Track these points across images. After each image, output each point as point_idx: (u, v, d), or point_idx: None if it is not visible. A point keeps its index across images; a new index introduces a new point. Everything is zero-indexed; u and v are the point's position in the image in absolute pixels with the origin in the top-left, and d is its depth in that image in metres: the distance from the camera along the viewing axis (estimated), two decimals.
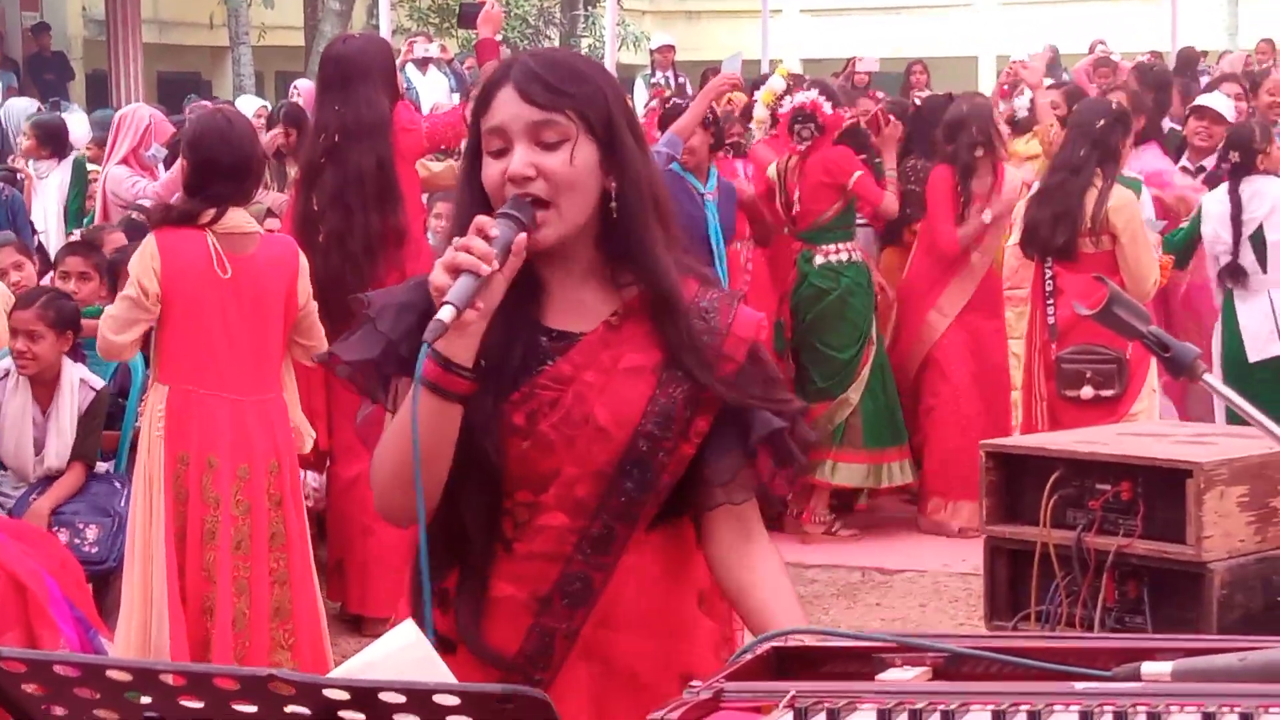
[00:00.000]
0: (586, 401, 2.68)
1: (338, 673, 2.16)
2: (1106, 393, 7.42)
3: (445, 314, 2.46)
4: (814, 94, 8.69)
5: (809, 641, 2.21)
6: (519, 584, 2.70)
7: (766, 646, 2.18)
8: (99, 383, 6.53)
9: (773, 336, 8.73)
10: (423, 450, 2.51)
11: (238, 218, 5.74)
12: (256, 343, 5.66)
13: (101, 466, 6.54)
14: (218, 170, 5.67)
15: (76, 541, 6.15)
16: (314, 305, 5.83)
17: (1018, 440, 5.69)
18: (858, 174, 8.59)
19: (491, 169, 2.67)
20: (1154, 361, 7.20)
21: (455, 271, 2.50)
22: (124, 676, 2.02)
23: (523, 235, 2.57)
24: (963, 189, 8.66)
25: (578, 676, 2.71)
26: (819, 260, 8.66)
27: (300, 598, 5.79)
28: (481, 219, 2.56)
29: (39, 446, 6.41)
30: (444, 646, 2.60)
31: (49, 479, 6.39)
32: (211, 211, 5.66)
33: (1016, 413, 8.31)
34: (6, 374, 6.42)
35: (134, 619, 5.67)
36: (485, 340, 2.59)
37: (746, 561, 2.75)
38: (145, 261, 5.68)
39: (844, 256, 8.67)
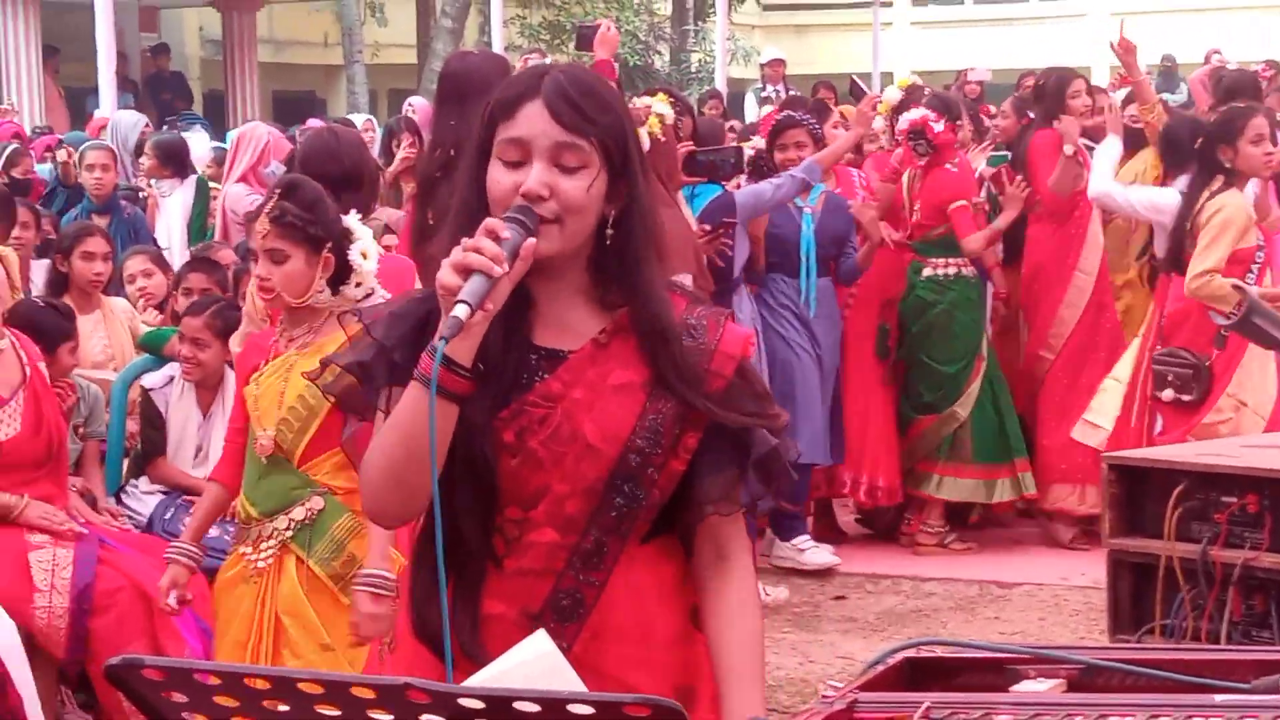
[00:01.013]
0: (575, 419, 2.68)
1: (472, 682, 2.17)
2: (1185, 397, 7.38)
3: (460, 311, 2.46)
4: (923, 111, 8.65)
5: (942, 653, 2.20)
6: (509, 601, 2.70)
7: (899, 657, 2.18)
8: None
9: (876, 340, 8.72)
10: (420, 449, 2.50)
11: None
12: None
13: None
14: (325, 183, 5.67)
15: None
16: None
17: (1141, 453, 5.62)
18: (959, 204, 8.53)
19: (504, 178, 2.66)
20: (1240, 374, 7.20)
21: (466, 272, 2.49)
22: (262, 685, 2.04)
23: (531, 240, 2.56)
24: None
25: None
26: (926, 272, 8.63)
27: None
28: (492, 221, 2.55)
29: (198, 450, 6.48)
30: (441, 657, 2.57)
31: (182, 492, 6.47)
32: None
33: (1104, 400, 8.19)
34: (171, 380, 6.54)
35: None
36: (482, 353, 2.58)
37: (715, 589, 2.77)
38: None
39: (951, 271, 8.61)
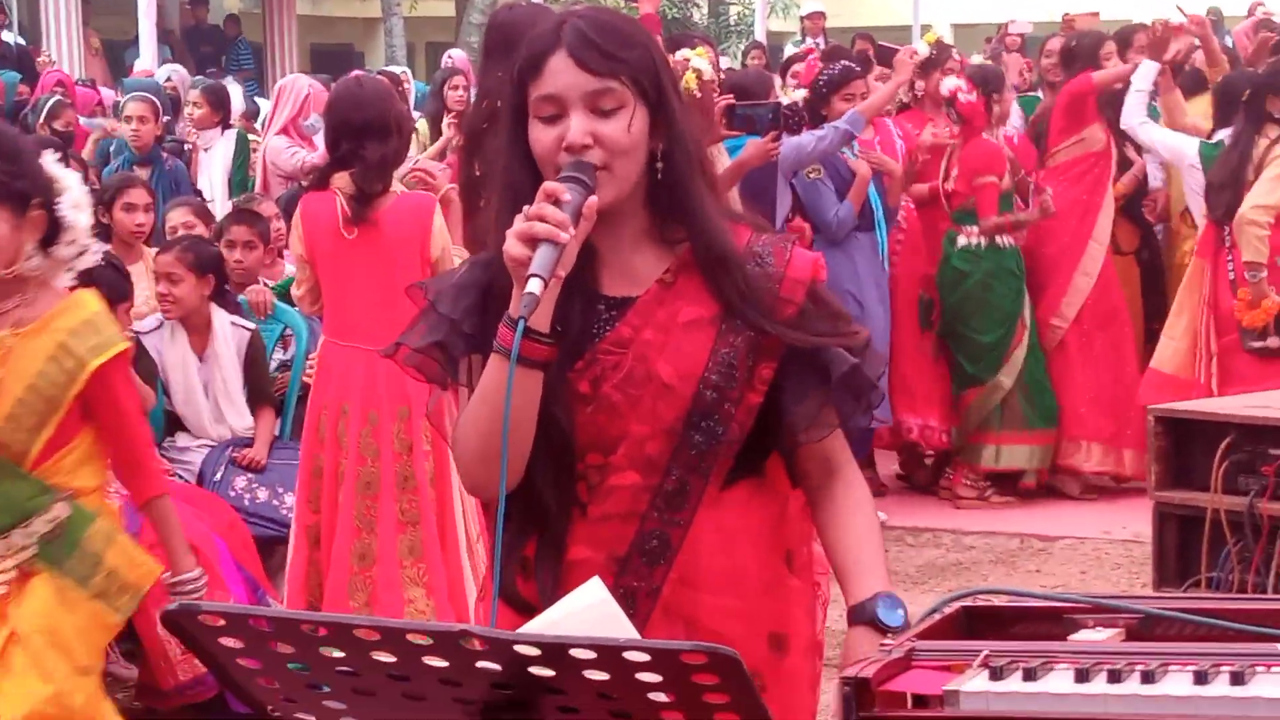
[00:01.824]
0: (648, 360, 2.67)
1: (528, 629, 2.17)
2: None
3: (534, 286, 2.45)
4: (957, 81, 8.60)
5: (998, 602, 2.19)
6: (596, 546, 2.69)
7: (956, 606, 2.17)
8: (250, 325, 6.63)
9: (918, 311, 8.68)
10: (509, 420, 2.50)
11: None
12: (386, 296, 5.64)
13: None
14: (348, 129, 5.80)
15: (275, 504, 6.24)
16: (451, 258, 5.79)
17: (1188, 405, 5.58)
18: (986, 179, 8.48)
19: (544, 135, 2.64)
20: None
21: (532, 241, 2.48)
22: (319, 631, 2.05)
23: (592, 198, 2.55)
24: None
25: (660, 634, 2.69)
26: (961, 242, 8.58)
27: (431, 538, 5.84)
28: (551, 185, 2.53)
29: (205, 388, 6.50)
30: (527, 611, 2.59)
31: (235, 444, 6.49)
32: (343, 173, 5.81)
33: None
34: (160, 324, 6.52)
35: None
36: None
37: (827, 498, 2.78)
38: (294, 227, 6.01)
39: (985, 240, 8.56)
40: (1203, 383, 7.66)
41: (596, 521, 2.69)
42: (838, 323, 2.72)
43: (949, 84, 8.62)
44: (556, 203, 2.50)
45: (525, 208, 2.51)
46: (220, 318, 6.51)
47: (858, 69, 8.48)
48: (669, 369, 2.66)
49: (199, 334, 6.48)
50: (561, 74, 2.62)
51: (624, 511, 2.69)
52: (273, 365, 6.91)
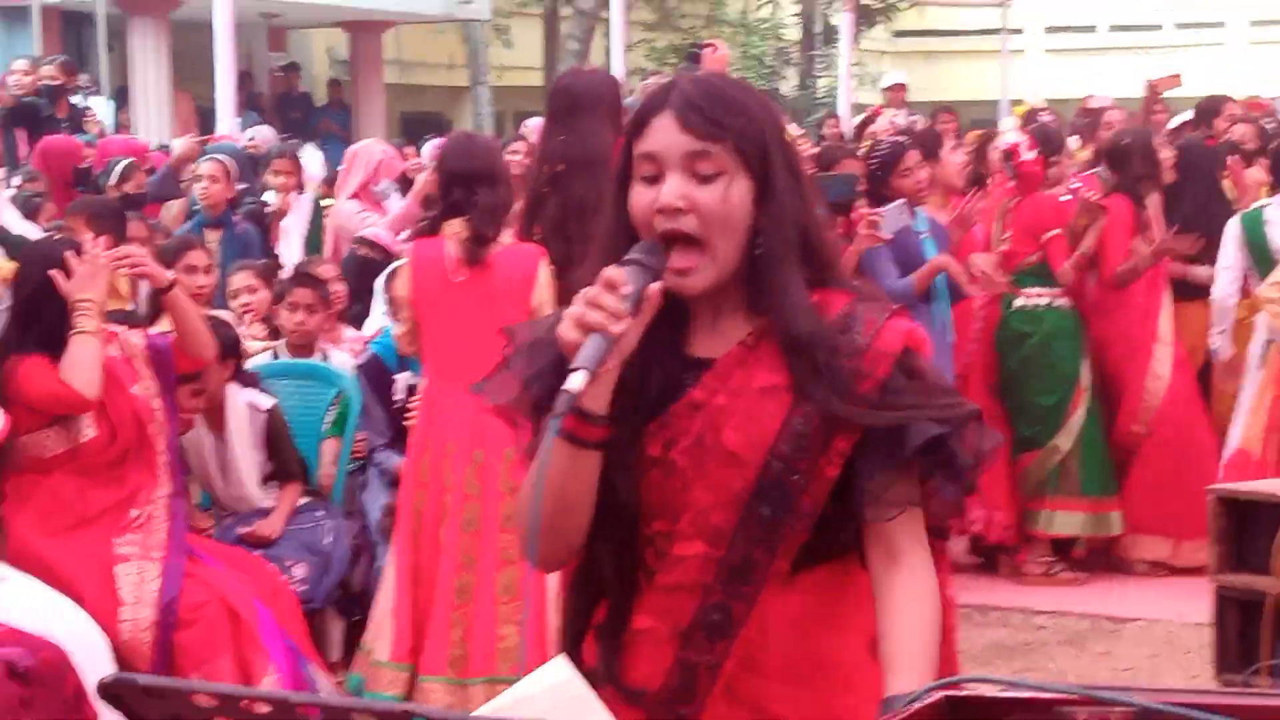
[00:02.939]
0: (717, 426, 2.58)
1: (486, 709, 2.07)
2: None
3: (575, 382, 2.38)
4: (1017, 137, 8.47)
5: (985, 691, 2.06)
6: (661, 616, 2.61)
7: (938, 695, 2.04)
8: (267, 402, 6.57)
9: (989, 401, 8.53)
10: (563, 499, 2.48)
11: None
12: (492, 339, 5.62)
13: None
14: (457, 179, 6.02)
15: (283, 579, 6.16)
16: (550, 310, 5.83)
17: (1249, 485, 5.43)
18: (1055, 232, 8.33)
19: (642, 196, 2.58)
20: None
21: (585, 328, 2.42)
22: (263, 708, 1.95)
23: (656, 285, 2.48)
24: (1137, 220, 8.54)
25: (721, 716, 2.60)
26: (1018, 303, 8.44)
27: (527, 577, 5.84)
28: (610, 272, 2.46)
29: (223, 471, 6.44)
30: (592, 681, 2.51)
31: (255, 514, 6.42)
32: (454, 221, 5.99)
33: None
34: None
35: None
36: (625, 369, 2.50)
37: (886, 586, 2.57)
38: (402, 270, 6.18)
39: (1044, 301, 8.40)
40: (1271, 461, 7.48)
41: (664, 591, 2.61)
42: (932, 396, 2.58)
43: (1008, 140, 8.49)
44: (615, 290, 2.42)
45: (585, 290, 2.44)
46: (236, 398, 6.45)
47: (906, 141, 8.34)
48: (737, 436, 2.57)
49: (215, 414, 6.42)
50: (663, 133, 2.57)
51: (690, 582, 2.60)
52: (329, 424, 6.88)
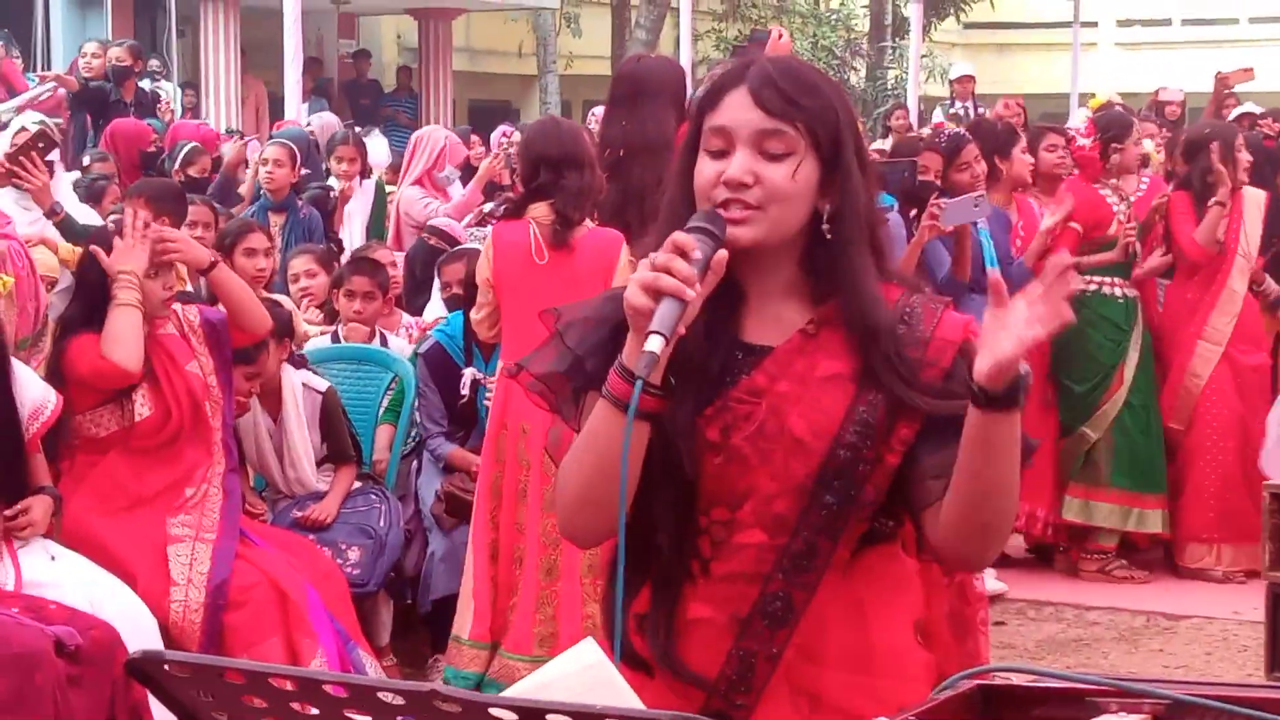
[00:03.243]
0: (781, 413, 2.56)
1: (514, 690, 2.07)
2: None
3: (655, 344, 2.38)
4: (1073, 126, 8.41)
5: (1018, 680, 2.05)
6: (718, 606, 2.59)
7: (972, 684, 2.03)
8: (322, 384, 6.58)
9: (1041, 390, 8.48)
10: (607, 472, 2.45)
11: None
12: None
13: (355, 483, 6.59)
14: (543, 162, 6.09)
15: (339, 563, 6.17)
16: None
17: None
18: (1071, 225, 8.25)
19: (707, 168, 2.57)
20: None
21: (656, 294, 2.40)
22: (289, 686, 1.95)
23: (722, 252, 2.47)
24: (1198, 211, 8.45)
25: (782, 706, 2.59)
26: None
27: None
28: (680, 237, 2.45)
29: (278, 454, 6.45)
30: (643, 669, 2.51)
31: (309, 497, 6.44)
32: (539, 204, 6.05)
33: None
34: None
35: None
36: (684, 352, 2.49)
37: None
38: (484, 252, 6.23)
39: (1091, 288, 8.32)
40: None
41: (720, 580, 2.60)
42: None
43: (1076, 122, 8.42)
44: (686, 256, 2.42)
45: (653, 255, 2.43)
46: (291, 380, 6.46)
47: (967, 135, 8.28)
48: (803, 424, 2.56)
49: (271, 396, 6.43)
50: (736, 109, 2.57)
51: (749, 571, 2.58)
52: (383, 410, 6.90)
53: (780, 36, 7.77)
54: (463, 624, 6.17)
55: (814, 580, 2.57)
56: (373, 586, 6.30)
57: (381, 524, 6.38)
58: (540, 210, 6.10)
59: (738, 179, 2.53)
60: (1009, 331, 2.35)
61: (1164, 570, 8.61)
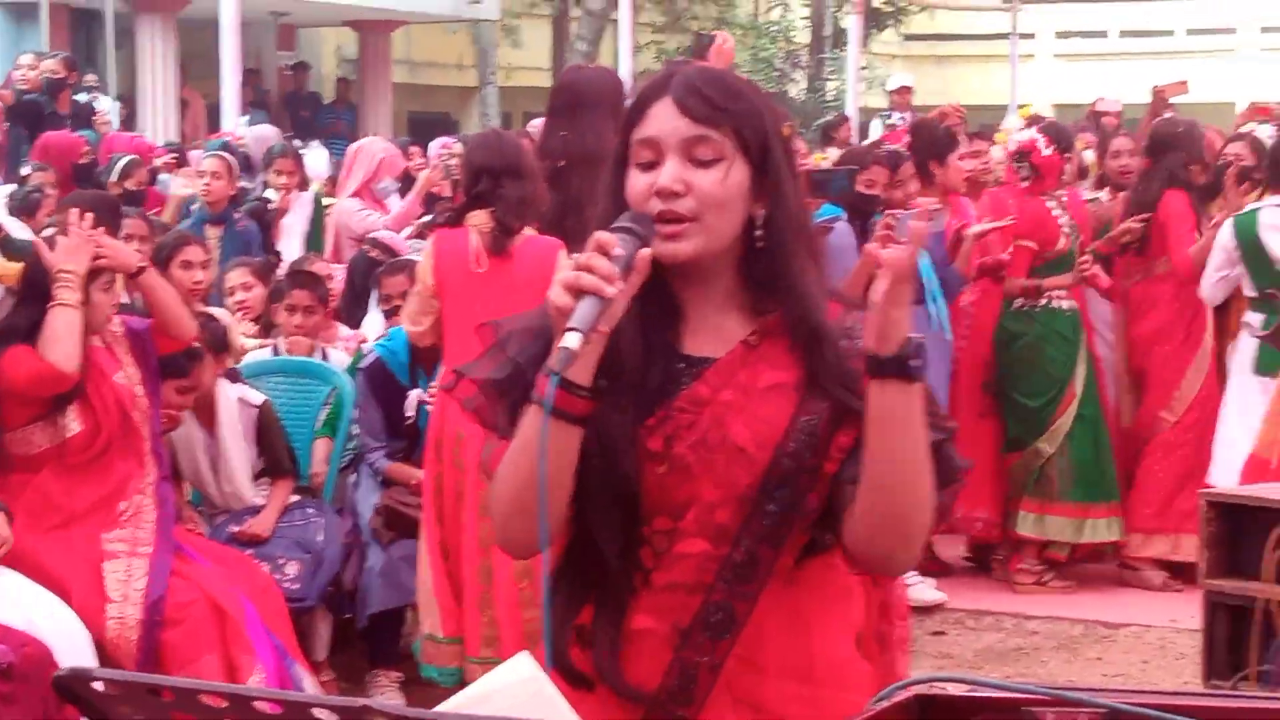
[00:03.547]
0: (724, 423, 2.55)
1: (448, 705, 2.05)
2: None
3: (572, 341, 2.36)
4: (1032, 133, 8.42)
5: (955, 690, 2.04)
6: (659, 616, 2.58)
7: (908, 693, 2.02)
8: (258, 398, 6.54)
9: (979, 398, 8.50)
10: (538, 480, 2.43)
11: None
12: None
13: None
14: (484, 171, 6.13)
15: (276, 578, 6.13)
16: None
17: (1241, 490, 5.40)
18: (1025, 243, 8.28)
19: (639, 181, 2.57)
20: None
21: (577, 292, 2.40)
22: (219, 702, 1.93)
23: (646, 250, 2.46)
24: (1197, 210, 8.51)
25: (724, 717, 2.58)
26: (1016, 303, 8.39)
27: (540, 562, 5.83)
28: (601, 235, 2.45)
29: (213, 468, 6.41)
30: (583, 684, 2.50)
31: (246, 512, 6.40)
32: (479, 213, 6.08)
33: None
34: None
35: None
36: (622, 362, 2.50)
37: None
38: (424, 260, 6.25)
39: (1041, 302, 8.36)
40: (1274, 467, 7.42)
41: (661, 590, 2.58)
42: (927, 405, 2.54)
43: (1025, 135, 8.43)
44: (607, 254, 2.41)
45: (575, 255, 2.43)
46: (226, 393, 6.42)
47: (905, 153, 8.28)
48: (745, 433, 2.55)
49: (206, 411, 6.38)
50: (662, 119, 2.56)
51: (691, 581, 2.57)
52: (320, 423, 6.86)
53: (725, 42, 7.80)
54: (434, 623, 6.18)
55: (755, 590, 2.56)
56: (311, 602, 6.26)
57: (319, 538, 6.35)
58: (480, 218, 6.13)
59: (669, 188, 2.53)
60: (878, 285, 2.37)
61: (1103, 579, 8.64)
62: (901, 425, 2.43)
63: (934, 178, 8.34)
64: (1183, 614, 7.78)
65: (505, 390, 2.61)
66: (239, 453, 6.39)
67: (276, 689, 2.40)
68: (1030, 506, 8.39)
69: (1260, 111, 14.04)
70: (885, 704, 1.99)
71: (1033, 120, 9.49)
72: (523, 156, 6.26)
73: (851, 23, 20.35)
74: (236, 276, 7.82)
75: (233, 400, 6.41)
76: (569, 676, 2.54)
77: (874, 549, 2.54)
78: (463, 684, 5.99)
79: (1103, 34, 33.15)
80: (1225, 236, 8.00)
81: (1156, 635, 7.68)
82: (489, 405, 2.63)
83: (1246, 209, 8.09)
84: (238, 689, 1.92)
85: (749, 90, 2.62)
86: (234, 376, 6.55)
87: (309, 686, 5.70)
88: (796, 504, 2.55)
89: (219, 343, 6.35)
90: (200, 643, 5.51)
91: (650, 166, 2.56)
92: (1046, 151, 8.32)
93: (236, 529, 6.28)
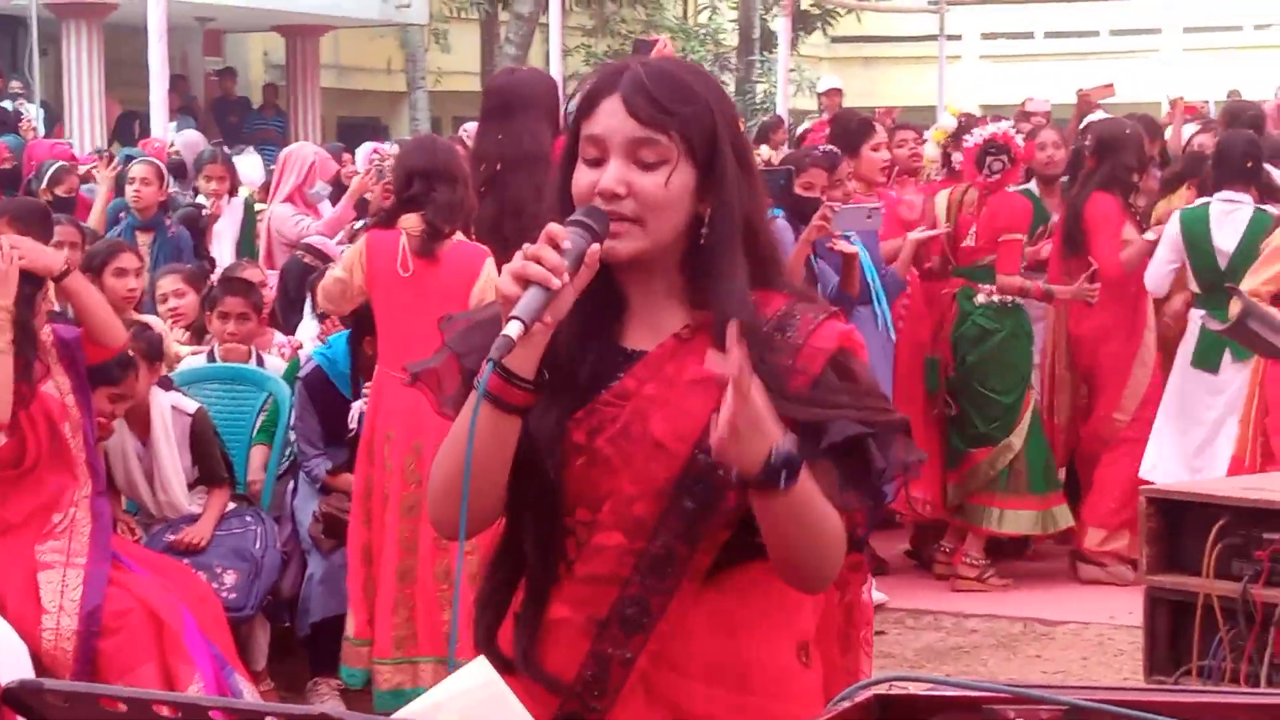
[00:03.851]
0: (645, 416, 2.54)
1: (403, 713, 2.03)
2: None
3: (512, 329, 2.37)
4: (1007, 125, 8.43)
5: (915, 690, 2.03)
6: (577, 607, 2.58)
7: (868, 694, 2.01)
8: (191, 406, 6.48)
9: (925, 374, 8.51)
10: (479, 462, 2.44)
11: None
12: (433, 335, 5.67)
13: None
14: (416, 174, 6.18)
15: (215, 586, 6.08)
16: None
17: (1180, 486, 5.43)
18: (1012, 236, 8.30)
19: (583, 177, 2.56)
20: None
21: (525, 282, 2.39)
22: (171, 713, 1.90)
23: (596, 246, 2.46)
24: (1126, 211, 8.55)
25: (638, 713, 2.57)
26: (981, 299, 8.37)
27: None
28: (553, 227, 2.44)
29: (148, 478, 6.35)
30: (504, 667, 2.47)
31: (182, 520, 6.35)
32: (410, 216, 6.12)
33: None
34: None
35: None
36: (557, 355, 2.50)
37: None
38: (355, 256, 6.27)
39: (1009, 297, 8.38)
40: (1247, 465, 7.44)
41: (581, 581, 2.57)
42: (863, 399, 2.54)
43: (999, 128, 8.39)
44: (556, 247, 2.40)
45: (525, 245, 2.42)
46: (160, 402, 6.36)
47: (839, 153, 8.27)
48: (664, 427, 2.53)
49: (140, 420, 6.31)
50: (609, 117, 2.54)
51: (609, 574, 2.56)
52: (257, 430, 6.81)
53: (665, 46, 7.77)
54: (351, 624, 6.24)
55: (671, 586, 2.55)
56: (250, 611, 6.21)
57: (257, 547, 6.30)
58: (411, 221, 6.16)
59: (611, 189, 2.51)
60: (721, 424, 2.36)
61: (1041, 577, 8.67)
62: (790, 520, 2.44)
63: (852, 168, 8.34)
64: (1120, 610, 7.83)
65: (443, 380, 2.65)
66: (172, 462, 6.33)
67: (229, 698, 2.37)
68: (1003, 503, 8.39)
69: (1187, 110, 14.17)
70: (846, 704, 1.98)
71: (968, 118, 9.50)
72: (455, 161, 6.29)
73: (781, 25, 20.36)
74: (168, 284, 7.76)
75: (166, 409, 6.35)
76: (497, 661, 2.52)
77: (788, 580, 2.56)
78: (369, 685, 6.04)
79: (1029, 35, 33.32)
80: (1174, 229, 8.04)
81: (1095, 632, 7.71)
82: (429, 386, 2.66)
83: (1196, 204, 8.15)
84: (192, 699, 1.89)
85: (701, 86, 2.58)
86: (167, 385, 6.49)
87: (249, 695, 5.66)
88: (713, 502, 2.52)
89: (153, 352, 6.29)
90: (137, 652, 5.47)
91: (597, 163, 2.55)
92: (1022, 141, 8.36)
93: (173, 538, 6.22)
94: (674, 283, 2.60)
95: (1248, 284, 7.00)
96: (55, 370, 5.64)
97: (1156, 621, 4.96)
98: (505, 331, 2.37)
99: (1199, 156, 9.29)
